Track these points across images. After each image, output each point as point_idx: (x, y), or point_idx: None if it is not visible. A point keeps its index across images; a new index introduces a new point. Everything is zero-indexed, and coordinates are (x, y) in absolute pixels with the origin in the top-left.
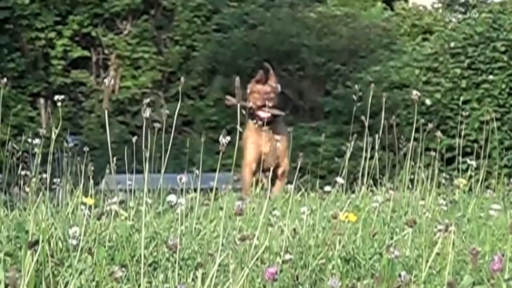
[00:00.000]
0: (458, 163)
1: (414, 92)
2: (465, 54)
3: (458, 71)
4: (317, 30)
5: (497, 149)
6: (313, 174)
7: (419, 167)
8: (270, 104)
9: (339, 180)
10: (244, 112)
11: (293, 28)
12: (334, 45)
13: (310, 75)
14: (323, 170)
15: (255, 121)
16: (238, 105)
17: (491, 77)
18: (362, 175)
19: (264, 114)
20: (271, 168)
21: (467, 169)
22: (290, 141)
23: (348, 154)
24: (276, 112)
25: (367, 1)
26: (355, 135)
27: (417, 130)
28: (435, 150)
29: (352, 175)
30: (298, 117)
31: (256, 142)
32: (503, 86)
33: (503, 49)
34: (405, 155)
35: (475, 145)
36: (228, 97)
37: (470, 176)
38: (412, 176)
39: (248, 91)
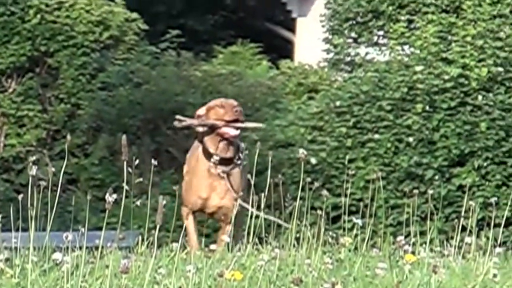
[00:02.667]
0: (344, 221)
1: (301, 150)
2: (350, 113)
3: (344, 130)
4: (202, 89)
5: (382, 208)
6: (198, 232)
7: (305, 225)
8: (241, 118)
9: (225, 238)
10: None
11: (178, 87)
12: None
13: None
14: (208, 229)
15: (211, 162)
16: (128, 160)
17: (376, 136)
18: (248, 234)
19: (233, 131)
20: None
21: (352, 228)
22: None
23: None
24: (252, 125)
25: (253, 59)
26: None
27: (302, 189)
28: (320, 208)
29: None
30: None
31: (203, 184)
32: (389, 145)
33: (388, 108)
34: (290, 213)
35: (361, 203)
36: (179, 117)
37: (356, 235)
38: (298, 235)
39: (204, 110)
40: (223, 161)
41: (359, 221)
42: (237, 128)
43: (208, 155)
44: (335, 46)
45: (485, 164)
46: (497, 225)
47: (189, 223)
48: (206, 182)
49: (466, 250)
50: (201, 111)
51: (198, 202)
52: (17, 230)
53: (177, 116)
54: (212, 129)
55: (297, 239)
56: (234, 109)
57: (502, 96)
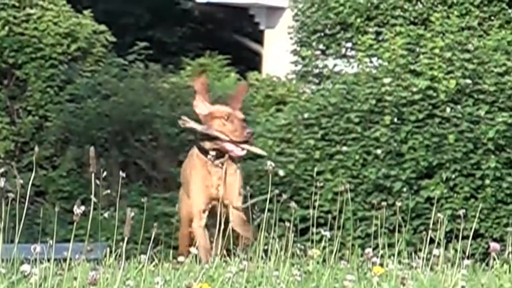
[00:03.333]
0: (312, 233)
1: (269, 163)
2: (318, 125)
3: (312, 142)
4: (170, 101)
5: (350, 220)
6: (166, 244)
7: (273, 237)
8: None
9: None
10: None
11: (146, 99)
12: (188, 116)
13: (163, 146)
14: (176, 241)
15: (210, 156)
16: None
17: (344, 148)
18: (216, 246)
19: (240, 152)
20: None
21: (320, 240)
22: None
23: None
24: (258, 151)
25: (221, 71)
26: None
27: (270, 201)
28: (288, 220)
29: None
30: (151, 188)
31: (204, 183)
32: (357, 157)
33: (357, 120)
34: (258, 226)
35: (329, 216)
36: (184, 118)
37: (324, 247)
38: (266, 247)
39: (205, 112)
40: (219, 156)
41: (327, 233)
42: (242, 149)
43: (205, 153)
44: (303, 58)
45: (453, 176)
46: (465, 237)
47: (198, 228)
48: (204, 172)
49: (434, 262)
50: (204, 110)
51: (203, 201)
52: None
53: (183, 117)
54: (213, 138)
55: (265, 251)
56: (246, 131)
57: (470, 108)
